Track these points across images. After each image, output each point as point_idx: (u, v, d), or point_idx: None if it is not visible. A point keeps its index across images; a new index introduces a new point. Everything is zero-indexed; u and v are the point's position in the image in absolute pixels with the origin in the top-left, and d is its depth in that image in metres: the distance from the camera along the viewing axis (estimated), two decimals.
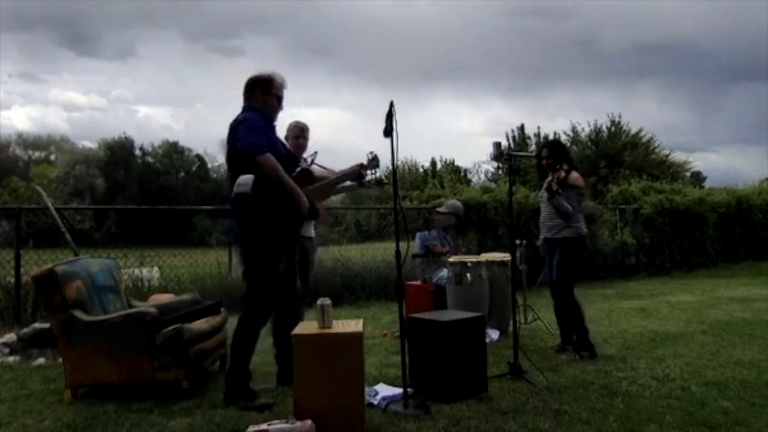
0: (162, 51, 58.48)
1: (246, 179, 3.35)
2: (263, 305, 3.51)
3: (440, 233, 6.23)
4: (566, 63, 53.36)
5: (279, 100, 3.64)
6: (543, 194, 4.76)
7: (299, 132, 4.45)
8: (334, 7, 60.20)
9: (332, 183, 3.93)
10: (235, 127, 3.44)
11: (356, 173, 3.91)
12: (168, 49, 58.96)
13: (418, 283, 5.83)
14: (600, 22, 54.28)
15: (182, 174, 38.28)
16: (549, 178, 4.52)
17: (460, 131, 56.36)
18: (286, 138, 4.38)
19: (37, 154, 39.51)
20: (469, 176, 32.37)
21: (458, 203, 6.59)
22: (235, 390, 3.45)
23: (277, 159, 3.41)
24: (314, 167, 4.01)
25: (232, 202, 3.41)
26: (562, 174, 4.50)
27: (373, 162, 3.88)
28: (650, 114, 49.85)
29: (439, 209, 6.52)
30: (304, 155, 4.37)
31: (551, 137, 29.43)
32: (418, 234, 6.21)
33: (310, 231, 4.51)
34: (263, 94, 3.57)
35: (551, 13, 54.22)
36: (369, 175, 3.97)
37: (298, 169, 3.71)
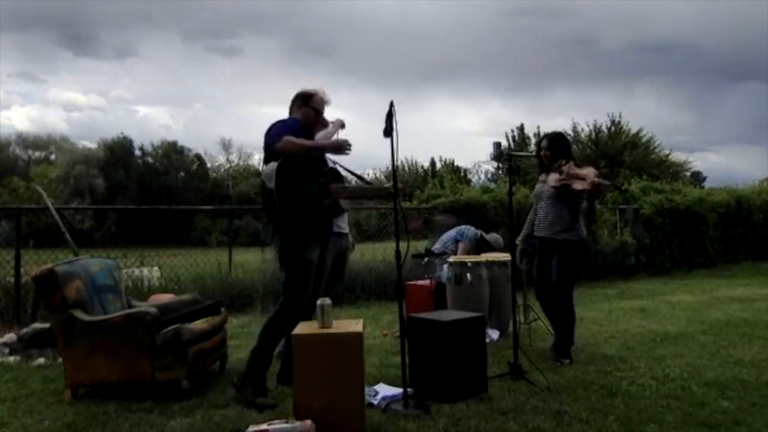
0: (161, 51, 58.49)
1: (268, 173, 3.45)
2: (299, 295, 3.56)
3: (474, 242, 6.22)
4: (565, 63, 53.45)
5: (317, 113, 3.84)
6: (542, 191, 4.59)
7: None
8: (332, 7, 60.34)
9: (359, 189, 4.01)
10: (267, 132, 3.61)
11: (384, 193, 4.09)
12: (167, 49, 59.01)
13: (419, 282, 5.84)
14: (599, 21, 54.36)
15: (182, 174, 38.28)
16: (586, 184, 4.22)
17: (459, 131, 56.47)
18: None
19: (37, 154, 39.51)
20: (469, 176, 32.37)
21: (500, 240, 6.49)
22: (253, 376, 3.47)
23: (309, 163, 3.56)
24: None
25: (263, 197, 3.54)
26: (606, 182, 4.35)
27: (407, 191, 3.96)
28: (649, 114, 49.94)
29: (486, 236, 6.45)
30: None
31: None
32: (454, 229, 6.18)
33: (346, 227, 4.55)
34: (302, 105, 3.79)
35: (550, 12, 54.30)
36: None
37: (328, 167, 3.80)
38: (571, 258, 4.46)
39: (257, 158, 35.55)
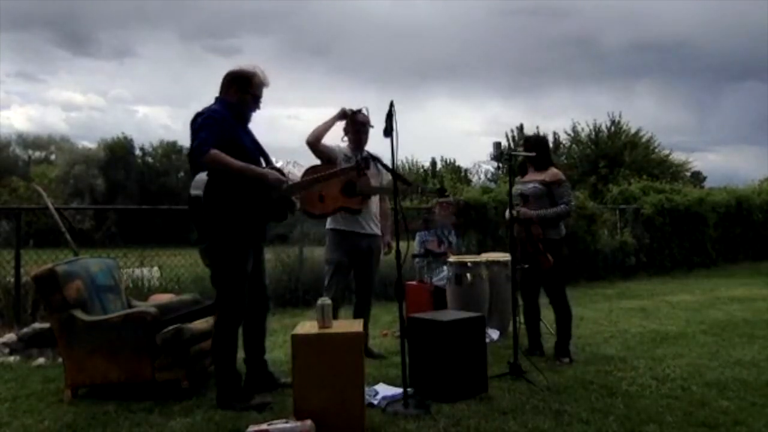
0: (159, 51, 58.29)
1: (199, 181, 3.30)
2: (236, 307, 3.48)
3: (440, 232, 6.23)
4: (564, 62, 53.15)
5: (255, 99, 3.55)
6: (521, 191, 4.62)
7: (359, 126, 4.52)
8: (331, 7, 60.21)
9: (306, 184, 3.87)
10: (192, 123, 3.36)
11: (333, 175, 3.94)
12: (165, 49, 58.82)
13: (416, 282, 5.84)
14: (598, 21, 54.16)
15: (182, 174, 38.27)
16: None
17: (458, 131, 56.19)
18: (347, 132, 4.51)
19: (37, 154, 39.49)
20: (470, 176, 32.31)
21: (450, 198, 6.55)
22: (229, 393, 3.44)
23: (242, 155, 3.35)
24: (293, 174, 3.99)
25: (188, 206, 3.36)
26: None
27: (357, 165, 3.91)
28: (649, 114, 49.80)
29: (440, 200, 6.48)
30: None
31: (550, 136, 29.42)
32: (417, 234, 6.22)
33: (374, 228, 4.53)
34: (239, 92, 3.49)
35: (549, 12, 54.12)
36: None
37: (269, 166, 3.62)
38: (555, 256, 4.44)
39: None
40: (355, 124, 4.47)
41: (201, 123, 3.30)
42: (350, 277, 4.62)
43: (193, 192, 3.29)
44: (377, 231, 4.58)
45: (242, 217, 3.38)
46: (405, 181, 4.47)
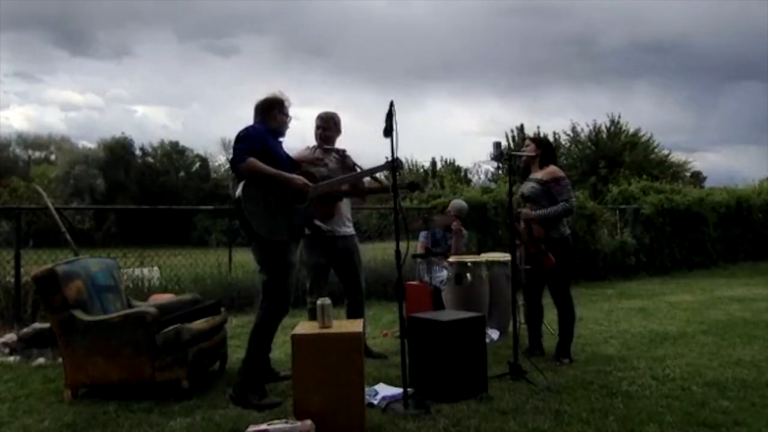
0: (157, 50, 58.46)
1: (241, 184, 3.52)
2: (282, 299, 3.60)
3: (439, 234, 6.22)
4: (563, 62, 53.25)
5: (289, 117, 3.94)
6: (523, 191, 4.66)
7: (318, 122, 4.61)
8: (329, 7, 60.32)
9: (335, 181, 4.03)
10: (235, 139, 3.68)
11: (363, 175, 4.12)
12: (163, 49, 58.96)
13: (416, 282, 5.84)
14: (597, 21, 54.24)
15: (182, 174, 38.29)
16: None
17: (457, 131, 56.33)
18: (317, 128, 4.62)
19: (37, 154, 39.52)
20: (470, 176, 32.30)
21: (462, 203, 6.55)
22: (250, 383, 3.49)
23: (277, 163, 3.60)
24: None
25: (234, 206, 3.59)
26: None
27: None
28: (648, 114, 49.80)
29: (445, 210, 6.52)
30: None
31: (550, 137, 29.46)
32: (421, 233, 6.22)
33: (346, 229, 4.59)
34: (279, 114, 3.86)
35: (547, 12, 54.26)
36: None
37: (298, 170, 3.80)
38: (556, 256, 4.44)
39: None
40: (321, 121, 4.59)
41: (240, 137, 3.64)
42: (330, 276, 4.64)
43: (236, 194, 3.51)
44: (350, 231, 4.65)
45: (279, 215, 3.58)
46: (374, 177, 4.52)
